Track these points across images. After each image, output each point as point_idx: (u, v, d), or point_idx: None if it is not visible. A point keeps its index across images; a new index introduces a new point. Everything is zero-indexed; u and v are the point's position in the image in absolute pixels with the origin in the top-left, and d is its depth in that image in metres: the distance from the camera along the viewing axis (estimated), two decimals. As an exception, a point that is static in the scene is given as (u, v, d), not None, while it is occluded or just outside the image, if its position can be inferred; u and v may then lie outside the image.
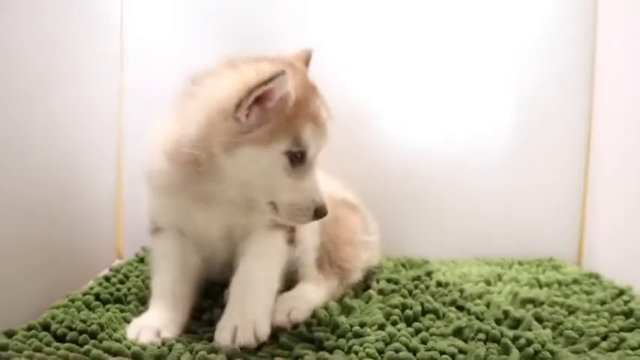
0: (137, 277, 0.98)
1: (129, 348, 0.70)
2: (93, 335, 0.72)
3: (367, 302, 0.93)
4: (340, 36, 1.23)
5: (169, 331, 0.76)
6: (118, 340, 0.72)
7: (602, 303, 0.93)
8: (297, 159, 0.74)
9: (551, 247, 1.26)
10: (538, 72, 1.24)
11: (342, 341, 0.76)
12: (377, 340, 0.75)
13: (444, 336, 0.79)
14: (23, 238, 0.84)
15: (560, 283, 1.04)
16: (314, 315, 0.83)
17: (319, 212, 0.75)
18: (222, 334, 0.72)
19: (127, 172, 1.24)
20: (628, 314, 0.87)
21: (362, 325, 0.81)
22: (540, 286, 1.04)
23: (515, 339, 0.76)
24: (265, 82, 0.69)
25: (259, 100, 0.71)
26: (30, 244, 0.86)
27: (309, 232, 0.90)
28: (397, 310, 0.86)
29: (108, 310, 0.83)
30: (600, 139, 1.21)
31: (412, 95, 1.25)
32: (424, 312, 0.87)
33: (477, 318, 0.85)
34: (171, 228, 0.84)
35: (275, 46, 0.84)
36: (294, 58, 0.85)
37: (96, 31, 1.12)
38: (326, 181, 0.85)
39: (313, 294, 0.88)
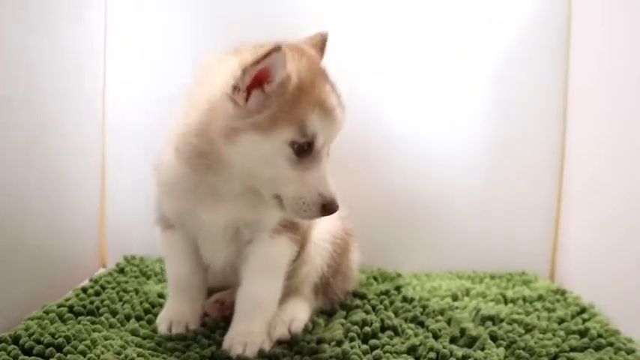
0: (113, 288, 1.01)
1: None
2: (59, 348, 0.76)
3: (330, 317, 0.96)
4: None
5: (194, 324, 0.86)
6: (82, 353, 0.76)
7: (561, 321, 0.95)
8: (304, 150, 0.70)
9: (525, 260, 1.27)
10: (512, 84, 1.25)
11: (297, 358, 0.79)
12: (330, 358, 0.78)
13: (397, 354, 0.82)
14: (6, 245, 0.88)
15: (525, 299, 1.06)
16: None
17: (327, 207, 0.71)
18: (235, 348, 0.79)
19: (111, 179, 1.27)
20: (583, 333, 0.89)
21: (319, 341, 0.84)
22: (505, 302, 1.06)
23: (464, 359, 0.79)
24: (259, 60, 0.66)
25: (258, 82, 0.68)
26: (13, 251, 0.90)
27: (318, 256, 0.93)
28: (356, 327, 0.89)
29: (79, 323, 0.86)
30: (574, 151, 1.22)
31: (379, 104, 1.26)
32: (383, 328, 0.90)
33: (434, 335, 0.88)
34: (179, 224, 0.86)
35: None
36: (306, 43, 0.81)
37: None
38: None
39: (305, 309, 0.93)
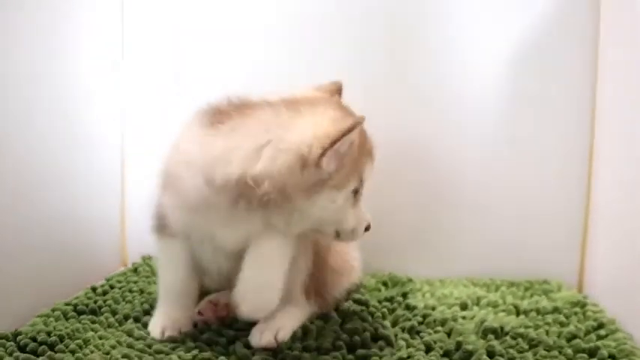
0: (120, 288, 1.05)
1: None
2: (51, 347, 0.80)
3: (326, 323, 0.94)
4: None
5: (187, 328, 0.89)
6: (72, 352, 0.79)
7: (572, 338, 0.87)
8: (357, 192, 0.82)
9: (551, 267, 1.19)
10: (532, 79, 1.17)
11: (278, 365, 0.79)
12: (311, 367, 0.77)
13: (382, 366, 0.79)
14: (27, 244, 0.94)
15: (538, 311, 0.99)
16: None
17: (367, 228, 0.85)
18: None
19: (131, 178, 1.31)
20: (593, 353, 0.82)
21: (304, 349, 0.83)
22: (518, 314, 0.99)
23: (449, 375, 0.75)
24: (346, 134, 0.73)
25: (335, 150, 0.75)
26: (34, 250, 0.96)
27: (302, 255, 0.91)
28: (346, 336, 0.86)
29: (80, 321, 0.90)
30: (603, 153, 1.12)
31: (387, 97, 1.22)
32: (376, 338, 0.87)
33: (427, 348, 0.84)
34: (182, 234, 0.87)
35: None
36: (325, 90, 0.89)
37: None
38: None
39: (295, 316, 0.91)
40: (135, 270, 1.18)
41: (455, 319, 0.95)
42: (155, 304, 0.97)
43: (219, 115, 0.80)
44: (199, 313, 0.93)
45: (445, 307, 1.02)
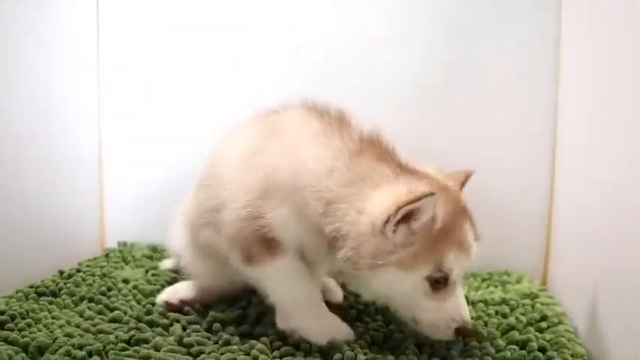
0: (84, 272, 1.10)
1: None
2: (2, 325, 0.85)
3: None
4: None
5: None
6: (20, 330, 0.84)
7: (509, 330, 0.87)
8: (439, 282, 0.75)
9: (517, 260, 1.18)
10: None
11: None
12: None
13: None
14: (8, 229, 1.02)
15: (486, 302, 0.98)
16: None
17: (460, 331, 0.77)
18: None
19: (109, 168, 1.37)
20: (524, 345, 0.81)
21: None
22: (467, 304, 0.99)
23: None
24: (413, 201, 0.71)
25: (406, 219, 0.73)
26: (14, 235, 1.03)
27: None
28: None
29: (37, 302, 0.96)
30: (565, 142, 1.10)
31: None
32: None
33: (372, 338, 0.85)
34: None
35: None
36: (453, 177, 0.85)
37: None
38: None
39: None
40: (106, 255, 1.23)
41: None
42: (112, 287, 1.03)
43: (367, 150, 0.79)
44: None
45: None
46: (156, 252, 1.28)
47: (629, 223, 0.75)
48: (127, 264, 1.20)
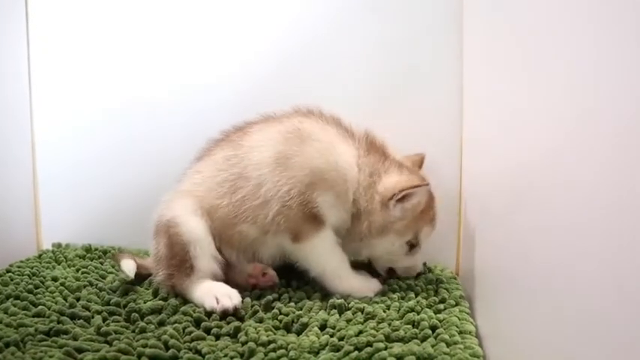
0: (14, 272, 1.13)
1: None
2: None
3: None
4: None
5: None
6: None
7: (408, 312, 0.93)
8: (413, 246, 1.08)
9: (439, 252, 1.26)
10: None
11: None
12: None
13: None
14: None
15: (394, 290, 1.05)
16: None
17: (419, 275, 1.13)
18: None
19: (42, 165, 1.40)
20: (417, 324, 0.89)
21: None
22: (377, 292, 1.07)
23: (269, 343, 0.83)
24: (411, 187, 1.01)
25: (402, 200, 1.02)
26: None
27: None
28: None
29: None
30: (471, 138, 1.19)
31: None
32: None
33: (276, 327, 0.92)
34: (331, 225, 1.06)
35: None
36: (412, 160, 1.14)
37: None
38: None
39: None
40: (39, 256, 1.26)
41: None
42: (38, 285, 1.06)
43: (371, 148, 1.07)
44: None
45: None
46: (89, 252, 1.31)
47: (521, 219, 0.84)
48: (59, 264, 1.23)
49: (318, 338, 0.85)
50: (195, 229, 1.02)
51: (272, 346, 0.82)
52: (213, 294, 0.97)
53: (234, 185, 1.04)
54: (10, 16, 1.32)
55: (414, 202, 1.03)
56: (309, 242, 1.02)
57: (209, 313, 0.94)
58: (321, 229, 1.02)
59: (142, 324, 0.90)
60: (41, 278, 1.11)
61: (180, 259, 1.01)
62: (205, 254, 1.02)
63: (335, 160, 1.02)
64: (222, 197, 1.04)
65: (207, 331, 0.88)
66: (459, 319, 0.91)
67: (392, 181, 1.03)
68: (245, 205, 1.03)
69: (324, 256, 1.04)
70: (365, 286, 1.04)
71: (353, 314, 0.94)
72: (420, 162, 1.17)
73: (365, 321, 0.92)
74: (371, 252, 1.10)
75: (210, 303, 0.95)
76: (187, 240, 1.01)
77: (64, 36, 1.37)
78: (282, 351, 0.80)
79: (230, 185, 1.04)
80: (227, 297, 0.96)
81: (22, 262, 1.22)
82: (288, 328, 0.91)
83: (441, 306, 0.97)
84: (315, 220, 1.02)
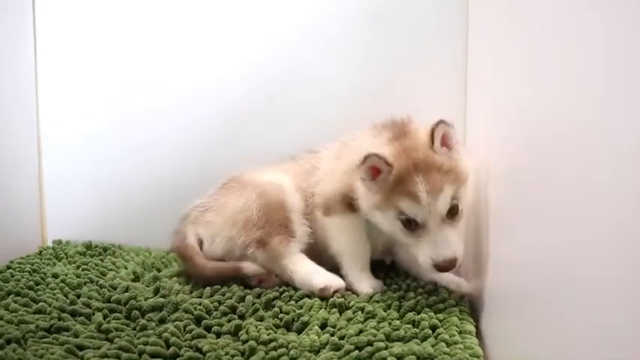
0: (14, 269, 1.14)
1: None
2: None
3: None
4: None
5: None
6: None
7: (408, 311, 0.94)
8: (410, 224, 0.96)
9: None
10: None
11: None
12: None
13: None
14: None
15: (394, 290, 1.06)
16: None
17: (439, 267, 0.96)
18: None
19: (48, 163, 1.40)
20: (417, 324, 0.89)
21: (155, 320, 0.91)
22: (378, 292, 1.07)
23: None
24: (361, 163, 0.96)
25: (376, 174, 0.97)
26: None
27: None
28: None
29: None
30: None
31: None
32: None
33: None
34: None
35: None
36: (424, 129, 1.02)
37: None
38: None
39: None
40: (40, 253, 1.26)
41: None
42: (39, 282, 1.06)
43: (392, 132, 1.03)
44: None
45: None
46: (90, 249, 1.31)
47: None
48: (59, 261, 1.23)
49: (319, 337, 0.86)
50: (299, 203, 1.13)
51: (272, 344, 0.82)
52: (322, 274, 1.05)
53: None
54: (18, 19, 1.33)
55: (383, 174, 0.96)
56: (334, 218, 1.08)
57: (209, 311, 0.94)
58: (352, 211, 1.05)
59: (142, 321, 0.90)
60: (42, 275, 1.11)
61: (280, 223, 1.10)
62: (303, 226, 1.11)
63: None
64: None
65: (208, 329, 0.88)
66: (459, 319, 0.91)
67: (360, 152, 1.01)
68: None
69: (344, 237, 1.08)
70: (368, 283, 1.06)
71: (353, 313, 0.95)
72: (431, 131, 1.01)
73: (365, 320, 0.92)
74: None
75: (319, 281, 1.03)
76: (291, 208, 1.12)
77: (70, 38, 1.38)
78: (283, 350, 0.80)
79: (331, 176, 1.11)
80: (335, 279, 1.05)
81: (22, 258, 1.22)
82: (288, 327, 0.91)
83: (441, 306, 0.97)
84: (349, 203, 1.05)
